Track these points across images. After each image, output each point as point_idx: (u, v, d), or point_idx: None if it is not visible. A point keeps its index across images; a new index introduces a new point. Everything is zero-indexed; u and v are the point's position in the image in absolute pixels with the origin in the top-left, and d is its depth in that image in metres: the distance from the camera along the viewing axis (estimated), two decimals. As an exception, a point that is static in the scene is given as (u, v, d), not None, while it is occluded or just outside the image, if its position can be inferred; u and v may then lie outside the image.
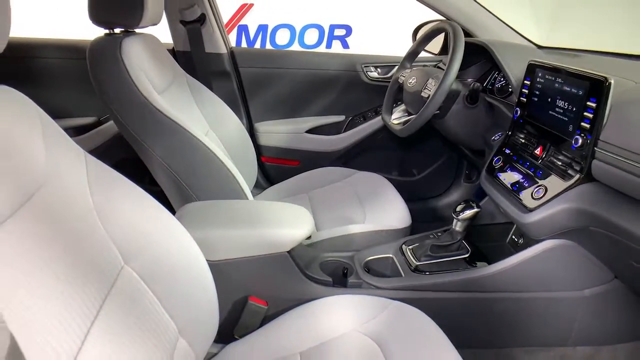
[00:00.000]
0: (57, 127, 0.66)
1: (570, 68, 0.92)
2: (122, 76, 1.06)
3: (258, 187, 1.75)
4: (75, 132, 1.71)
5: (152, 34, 1.31)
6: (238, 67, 1.76)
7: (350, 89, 1.81)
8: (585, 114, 0.87)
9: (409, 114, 1.40)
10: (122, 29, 1.17)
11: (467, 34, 1.59)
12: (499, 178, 1.10)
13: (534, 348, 1.12)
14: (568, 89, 0.92)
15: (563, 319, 1.08)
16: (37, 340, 0.49)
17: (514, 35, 1.62)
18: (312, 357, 0.84)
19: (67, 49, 1.70)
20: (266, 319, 0.97)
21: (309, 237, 1.01)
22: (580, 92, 0.88)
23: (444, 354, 0.82)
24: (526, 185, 1.00)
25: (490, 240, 1.21)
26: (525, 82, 1.07)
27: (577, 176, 0.89)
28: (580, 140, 0.87)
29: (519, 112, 1.10)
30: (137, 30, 1.21)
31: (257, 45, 3.92)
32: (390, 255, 1.16)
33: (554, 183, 0.94)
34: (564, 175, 0.92)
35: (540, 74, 1.02)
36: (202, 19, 1.62)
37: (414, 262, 1.11)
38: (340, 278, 1.08)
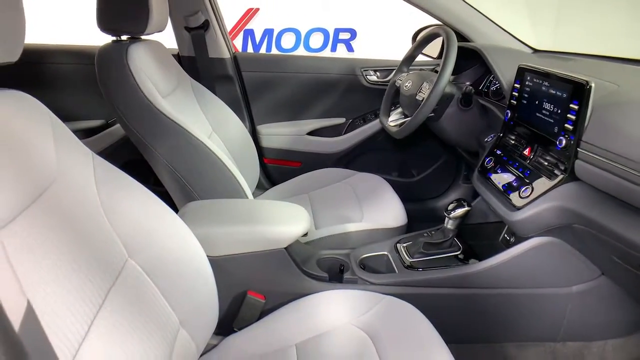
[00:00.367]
0: (66, 129, 0.71)
1: (554, 72, 0.96)
2: (128, 81, 1.11)
3: (260, 188, 1.79)
4: (84, 134, 1.77)
5: (157, 41, 1.36)
6: (241, 72, 1.81)
7: (350, 92, 1.85)
8: (568, 115, 0.90)
9: (405, 116, 1.44)
10: (129, 36, 1.22)
11: (465, 38, 1.63)
12: (490, 178, 1.13)
13: (524, 343, 1.15)
14: (553, 92, 0.96)
15: (552, 315, 1.11)
16: (47, 323, 0.53)
17: (510, 39, 1.65)
18: (308, 348, 0.88)
19: (77, 54, 1.76)
20: (264, 312, 1.01)
21: (305, 234, 1.05)
22: (564, 95, 0.92)
23: (432, 346, 0.85)
24: (515, 184, 1.04)
25: (483, 238, 1.24)
26: (515, 85, 1.11)
27: (562, 176, 0.92)
28: (564, 141, 0.91)
29: (509, 115, 1.13)
30: (143, 37, 1.26)
31: (263, 49, 3.97)
32: (385, 253, 1.20)
33: (540, 182, 0.97)
34: (550, 175, 0.96)
35: (528, 78, 1.06)
36: (205, 25, 1.68)
37: (408, 259, 1.15)
38: (336, 274, 1.13)
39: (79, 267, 0.62)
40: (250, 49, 3.94)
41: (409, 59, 1.51)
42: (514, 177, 1.06)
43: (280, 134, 1.88)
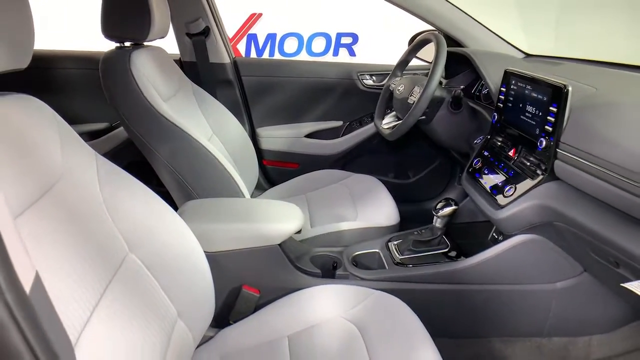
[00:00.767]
0: (71, 130, 0.76)
1: (535, 76, 1.00)
2: (130, 86, 1.16)
3: (259, 189, 1.84)
4: (89, 136, 1.83)
5: (159, 47, 1.41)
6: (241, 76, 1.86)
7: (347, 96, 1.90)
8: (548, 118, 0.94)
9: (399, 119, 1.49)
10: (132, 43, 1.28)
11: (458, 43, 1.68)
12: (477, 178, 1.18)
13: (511, 338, 1.19)
14: (535, 95, 1.00)
15: (538, 311, 1.14)
16: None
17: (503, 45, 1.69)
18: (299, 340, 0.93)
19: (83, 60, 1.82)
20: (259, 306, 1.06)
21: (299, 232, 1.10)
22: (545, 98, 0.96)
23: (417, 338, 0.89)
24: (500, 184, 1.08)
25: (473, 237, 1.28)
26: (502, 89, 1.15)
27: (542, 175, 0.96)
28: (544, 142, 0.95)
29: (496, 117, 1.18)
30: (145, 43, 1.32)
31: (266, 53, 4.02)
32: (377, 250, 1.24)
33: (523, 182, 1.01)
34: (532, 175, 1.00)
35: (514, 82, 1.10)
36: (206, 31, 1.74)
37: (397, 256, 1.19)
38: (329, 270, 1.17)
39: (83, 258, 0.66)
40: (253, 54, 3.99)
41: (403, 63, 1.55)
42: (499, 177, 1.10)
43: (279, 137, 1.93)
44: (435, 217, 1.17)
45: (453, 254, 1.21)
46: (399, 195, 1.62)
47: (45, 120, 0.71)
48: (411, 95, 1.35)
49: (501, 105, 1.15)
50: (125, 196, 0.80)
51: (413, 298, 1.03)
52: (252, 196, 1.67)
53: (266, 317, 1.01)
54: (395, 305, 0.98)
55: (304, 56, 4.04)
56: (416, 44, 1.47)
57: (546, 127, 0.95)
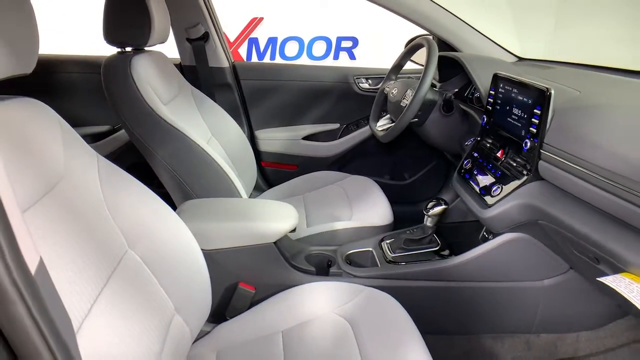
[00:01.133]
0: (74, 132, 0.80)
1: (521, 79, 1.04)
2: (131, 90, 1.21)
3: (258, 190, 1.88)
4: (92, 139, 1.88)
5: (160, 51, 1.46)
6: (239, 80, 1.91)
7: (344, 99, 1.94)
8: (533, 120, 0.98)
9: (392, 121, 1.52)
10: (133, 48, 1.32)
11: (452, 48, 1.71)
12: (467, 179, 1.21)
13: (501, 334, 1.22)
14: (521, 98, 1.04)
15: (526, 308, 1.17)
16: None
17: (496, 49, 1.73)
18: (293, 335, 0.96)
19: (85, 64, 1.87)
20: (254, 302, 1.09)
21: (293, 231, 1.14)
22: (529, 101, 1.00)
23: (405, 333, 0.92)
24: (488, 184, 1.12)
25: (464, 236, 1.32)
26: (491, 92, 1.19)
27: (527, 175, 1.00)
28: (529, 144, 0.99)
29: (485, 119, 1.21)
30: (146, 48, 1.36)
31: (267, 56, 4.07)
32: (370, 249, 1.28)
33: (509, 182, 1.05)
34: (518, 175, 1.03)
35: (502, 85, 1.14)
36: (205, 36, 1.78)
37: (390, 255, 1.22)
38: (323, 268, 1.20)
39: (84, 253, 0.70)
40: (254, 57, 4.03)
41: (397, 67, 1.59)
42: (488, 178, 1.14)
43: (277, 139, 1.97)
44: (426, 217, 1.21)
45: (446, 252, 1.25)
46: (395, 196, 1.66)
47: (49, 123, 0.75)
48: (404, 98, 1.39)
49: (490, 107, 1.19)
50: (125, 195, 0.84)
51: (405, 295, 1.06)
52: (250, 197, 1.71)
53: (261, 313, 1.04)
54: (386, 302, 1.01)
55: (304, 59, 4.09)
56: (409, 48, 1.51)
57: (531, 129, 0.98)
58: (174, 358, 0.83)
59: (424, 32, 1.82)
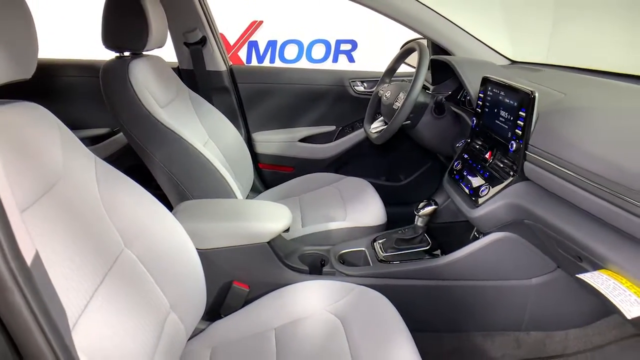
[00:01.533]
0: (72, 135, 0.83)
1: (507, 82, 1.06)
2: (128, 93, 1.23)
3: (255, 191, 1.91)
4: (91, 141, 1.91)
5: (157, 56, 1.49)
6: (237, 83, 1.94)
7: (340, 101, 1.97)
8: (518, 122, 1.00)
9: (386, 124, 1.55)
10: (131, 52, 1.35)
11: (446, 52, 1.74)
12: (457, 180, 1.24)
13: (490, 332, 1.24)
14: (507, 100, 1.06)
15: (515, 306, 1.19)
16: None
17: (490, 52, 1.76)
18: (285, 332, 0.98)
19: (85, 68, 1.90)
20: (248, 300, 1.12)
21: (287, 230, 1.16)
22: (515, 103, 1.02)
23: (394, 329, 0.94)
24: (477, 185, 1.14)
25: (455, 236, 1.34)
26: (480, 94, 1.21)
27: (513, 176, 1.02)
28: (515, 145, 1.01)
29: (475, 121, 1.24)
30: (144, 53, 1.39)
31: (267, 59, 4.10)
32: (363, 249, 1.30)
33: (497, 182, 1.07)
34: (505, 176, 1.06)
35: (490, 88, 1.16)
36: (203, 41, 1.81)
37: (381, 254, 1.25)
38: (317, 268, 1.23)
39: (81, 252, 0.73)
40: (254, 60, 4.06)
41: (390, 71, 1.62)
42: (477, 179, 1.16)
43: (274, 141, 2.00)
44: (417, 217, 1.23)
45: (437, 252, 1.27)
46: (390, 197, 1.68)
47: (48, 126, 0.78)
48: (396, 101, 1.42)
49: (479, 110, 1.21)
50: (122, 196, 0.87)
51: (396, 293, 1.09)
52: (247, 198, 1.74)
53: (255, 310, 1.07)
54: (376, 299, 1.04)
55: (304, 62, 4.11)
56: (402, 52, 1.54)
57: (516, 130, 1.01)
58: (169, 354, 0.85)
59: (420, 36, 1.85)
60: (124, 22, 1.27)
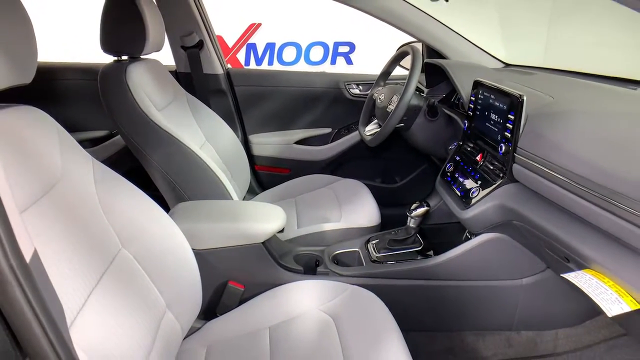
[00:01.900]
0: (70, 137, 0.85)
1: (497, 86, 1.09)
2: (126, 97, 1.26)
3: (252, 192, 1.93)
4: (90, 143, 1.93)
5: (155, 59, 1.51)
6: (233, 86, 1.96)
7: (335, 104, 1.99)
8: (507, 125, 1.02)
9: (380, 126, 1.57)
10: (129, 56, 1.37)
11: (441, 55, 1.77)
12: (449, 182, 1.26)
13: (482, 331, 1.26)
14: (497, 103, 1.08)
15: (506, 306, 1.22)
16: None
17: (484, 55, 1.78)
18: (279, 330, 1.00)
19: (83, 71, 1.92)
20: (243, 300, 1.13)
21: (281, 231, 1.18)
22: (504, 107, 1.04)
23: (385, 328, 0.96)
24: (467, 186, 1.16)
25: (447, 237, 1.36)
26: (471, 97, 1.24)
27: (502, 178, 1.05)
28: (504, 148, 1.03)
29: (466, 124, 1.26)
30: (141, 57, 1.41)
31: (265, 61, 4.12)
32: (357, 249, 1.32)
33: (486, 184, 1.10)
34: (495, 178, 1.08)
35: (481, 91, 1.19)
36: (200, 44, 1.84)
37: (375, 254, 1.27)
38: (311, 268, 1.25)
39: (79, 251, 0.74)
40: (252, 62, 4.09)
41: (385, 74, 1.65)
42: (468, 180, 1.19)
43: (271, 143, 2.02)
44: (409, 218, 1.25)
45: (430, 253, 1.29)
46: (386, 199, 1.70)
47: (47, 130, 0.80)
48: (390, 104, 1.44)
49: (471, 113, 1.24)
50: (119, 197, 0.89)
51: (388, 293, 1.11)
52: (244, 199, 1.76)
53: (249, 310, 1.09)
54: (368, 299, 1.06)
55: (302, 65, 4.14)
56: (396, 56, 1.57)
57: (506, 133, 1.03)
58: (165, 353, 0.87)
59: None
60: (121, 27, 1.30)
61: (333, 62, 4.21)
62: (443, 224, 1.45)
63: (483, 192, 1.09)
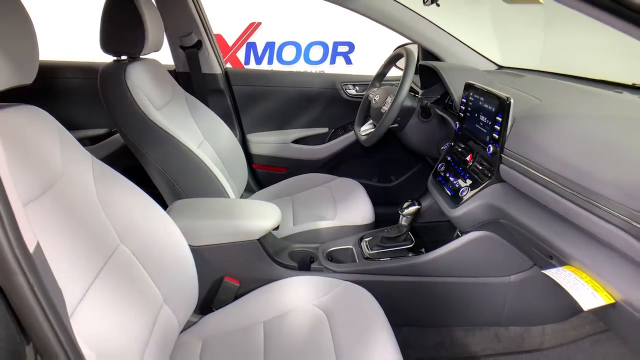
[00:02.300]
0: (71, 136, 0.88)
1: (486, 88, 1.12)
2: (125, 96, 1.28)
3: (249, 191, 1.96)
4: (90, 141, 1.96)
5: (154, 59, 1.54)
6: (231, 86, 1.99)
7: (332, 104, 2.03)
8: (495, 126, 1.06)
9: (374, 126, 1.60)
10: (128, 56, 1.40)
11: (436, 57, 1.80)
12: (439, 181, 1.29)
13: (471, 327, 1.29)
14: (486, 105, 1.11)
15: (494, 302, 1.25)
16: None
17: (478, 58, 1.81)
18: (273, 324, 1.03)
19: (84, 70, 1.95)
20: (239, 295, 1.17)
21: (276, 228, 1.21)
22: (493, 109, 1.07)
23: (375, 322, 0.99)
24: (457, 185, 1.20)
25: (438, 235, 1.39)
26: (462, 99, 1.27)
27: (490, 178, 1.08)
28: (492, 148, 1.06)
29: (458, 125, 1.29)
30: (141, 56, 1.44)
31: (265, 61, 4.14)
32: (350, 247, 1.36)
33: (476, 184, 1.13)
34: (484, 178, 1.11)
35: (472, 93, 1.22)
36: (198, 44, 1.87)
37: (367, 252, 1.30)
38: (306, 264, 1.28)
39: (79, 246, 0.77)
40: (252, 61, 4.11)
41: (380, 75, 1.68)
42: (458, 180, 1.22)
43: (268, 142, 2.05)
44: (401, 216, 1.29)
45: (422, 250, 1.32)
46: (381, 198, 1.73)
47: (48, 128, 0.82)
48: (384, 104, 1.47)
49: (462, 114, 1.27)
50: (118, 194, 0.91)
51: (380, 289, 1.14)
52: (242, 197, 1.79)
53: (245, 305, 1.12)
54: (360, 294, 1.09)
55: (302, 64, 4.16)
56: (391, 58, 1.60)
57: (494, 134, 1.06)
58: (162, 345, 0.90)
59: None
60: (121, 28, 1.32)
61: (332, 61, 4.23)
62: (434, 222, 1.48)
63: (472, 192, 1.12)
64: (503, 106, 1.03)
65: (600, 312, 0.85)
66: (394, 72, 1.75)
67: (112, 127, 2.00)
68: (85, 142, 1.95)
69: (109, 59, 1.40)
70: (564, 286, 0.77)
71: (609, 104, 1.08)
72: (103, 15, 1.33)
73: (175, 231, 1.00)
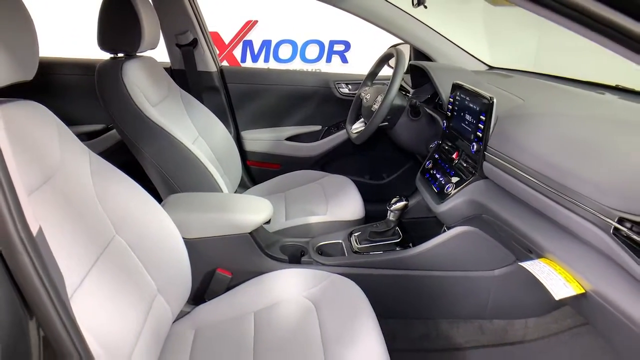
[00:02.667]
0: (69, 131, 0.91)
1: (473, 88, 1.15)
2: (122, 93, 1.31)
3: (243, 187, 1.99)
4: (87, 137, 1.98)
5: (150, 57, 1.57)
6: (226, 83, 2.02)
7: (325, 102, 2.06)
8: (479, 125, 1.10)
9: (365, 124, 1.64)
10: (125, 54, 1.43)
11: (428, 57, 1.84)
12: (427, 178, 1.33)
13: (456, 319, 1.34)
14: (472, 105, 1.15)
15: (479, 296, 1.29)
16: None
17: (469, 58, 1.85)
18: (263, 315, 1.07)
19: (81, 67, 1.98)
20: (231, 286, 1.20)
21: (268, 222, 1.25)
22: (478, 108, 1.11)
23: (361, 313, 1.02)
24: (443, 182, 1.23)
25: (425, 230, 1.43)
26: (450, 99, 1.30)
27: (474, 174, 1.12)
28: (476, 146, 1.10)
29: (445, 124, 1.33)
30: (137, 54, 1.47)
31: (262, 59, 4.16)
32: (340, 241, 1.40)
33: (460, 180, 1.17)
34: (468, 175, 1.15)
35: (458, 93, 1.26)
36: (194, 42, 1.90)
37: (356, 246, 1.34)
38: (296, 257, 1.32)
39: (76, 237, 0.80)
40: (249, 59, 4.13)
41: (372, 75, 1.71)
42: (444, 177, 1.26)
43: (262, 139, 2.09)
44: (389, 211, 1.33)
45: (410, 245, 1.36)
46: (373, 195, 1.76)
47: (47, 123, 0.85)
48: (375, 103, 1.50)
49: (449, 113, 1.30)
50: (114, 187, 0.94)
51: (368, 282, 1.18)
52: (236, 193, 1.82)
53: (236, 296, 1.15)
54: (347, 286, 1.12)
55: (298, 62, 4.18)
56: (382, 57, 1.63)
57: (478, 133, 1.10)
58: (156, 333, 0.93)
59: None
60: (118, 26, 1.35)
61: (328, 60, 4.24)
62: (422, 218, 1.52)
63: (456, 188, 1.16)
64: (487, 106, 1.06)
65: (576, 304, 0.89)
66: (386, 72, 1.78)
67: (108, 123, 2.03)
68: (83, 137, 1.97)
69: (106, 56, 1.43)
70: (538, 277, 0.81)
71: (590, 104, 1.12)
72: (100, 13, 1.36)
73: (169, 224, 1.03)
